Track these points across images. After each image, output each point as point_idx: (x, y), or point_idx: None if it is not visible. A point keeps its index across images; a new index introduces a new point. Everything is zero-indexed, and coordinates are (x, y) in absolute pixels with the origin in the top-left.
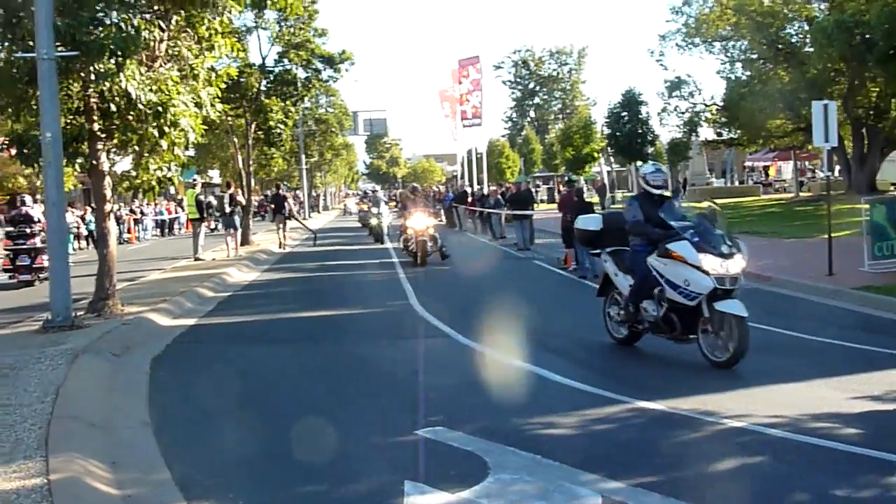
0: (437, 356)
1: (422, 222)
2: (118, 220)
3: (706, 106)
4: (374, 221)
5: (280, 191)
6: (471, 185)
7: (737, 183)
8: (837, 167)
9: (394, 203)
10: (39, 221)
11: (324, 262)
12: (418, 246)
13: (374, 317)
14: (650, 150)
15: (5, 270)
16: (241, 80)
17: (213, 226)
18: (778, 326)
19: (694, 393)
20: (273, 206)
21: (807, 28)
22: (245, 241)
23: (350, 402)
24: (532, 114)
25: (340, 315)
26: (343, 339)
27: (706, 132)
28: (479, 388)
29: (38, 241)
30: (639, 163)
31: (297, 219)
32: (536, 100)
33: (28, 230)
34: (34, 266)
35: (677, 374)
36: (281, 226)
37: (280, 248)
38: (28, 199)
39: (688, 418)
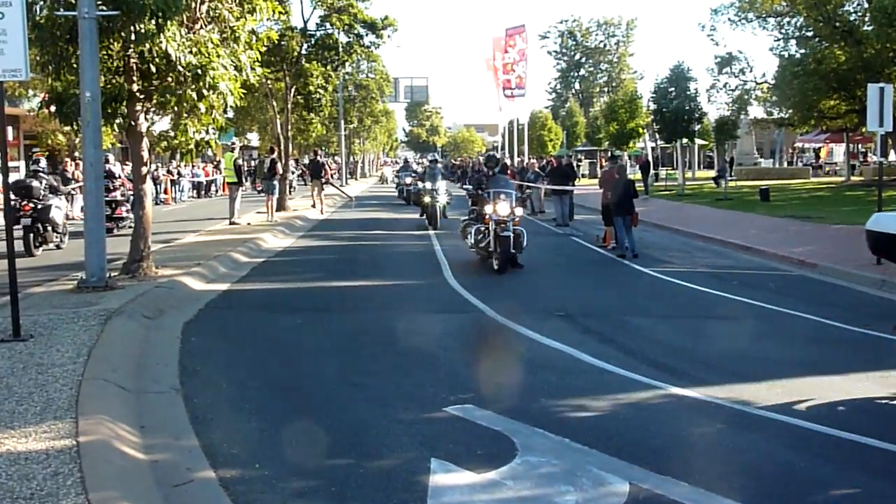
0: (469, 332)
1: (506, 208)
2: (155, 180)
3: (757, 84)
4: (427, 199)
5: (318, 157)
6: (511, 157)
7: (786, 164)
8: (893, 152)
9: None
10: (120, 177)
11: (360, 231)
12: (500, 244)
13: (407, 289)
14: (697, 127)
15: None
16: (282, 43)
17: (257, 188)
18: (820, 316)
19: (731, 381)
20: (311, 171)
21: (866, 6)
22: (281, 206)
23: (380, 375)
24: (577, 86)
25: (374, 286)
26: (375, 311)
27: (756, 111)
28: (511, 366)
29: (118, 195)
30: (685, 140)
31: (333, 184)
32: (582, 72)
33: (110, 185)
34: (114, 216)
35: (715, 360)
36: (318, 190)
37: (319, 213)
38: (111, 156)
39: (722, 407)
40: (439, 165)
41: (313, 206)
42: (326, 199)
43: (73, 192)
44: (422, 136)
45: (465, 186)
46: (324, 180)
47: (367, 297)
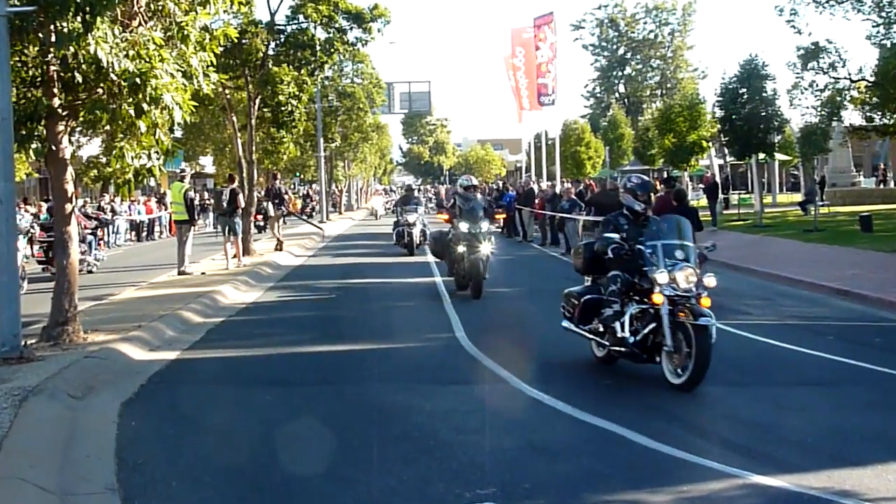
0: (490, 408)
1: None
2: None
3: (852, 82)
4: (461, 250)
5: (277, 182)
6: (538, 181)
7: (893, 184)
8: None
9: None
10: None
11: (345, 280)
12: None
13: (409, 353)
14: (777, 139)
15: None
16: (244, 42)
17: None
18: None
19: (828, 466)
20: (269, 200)
21: None
22: (245, 250)
23: (379, 468)
24: (621, 88)
25: (366, 350)
26: (369, 383)
27: (852, 116)
28: (544, 451)
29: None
30: (762, 154)
31: (297, 215)
32: (627, 70)
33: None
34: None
35: (807, 439)
36: (277, 226)
37: (277, 248)
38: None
39: (819, 501)
40: (479, 196)
41: (278, 247)
42: (302, 240)
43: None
44: (423, 156)
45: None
46: (283, 212)
47: (355, 365)
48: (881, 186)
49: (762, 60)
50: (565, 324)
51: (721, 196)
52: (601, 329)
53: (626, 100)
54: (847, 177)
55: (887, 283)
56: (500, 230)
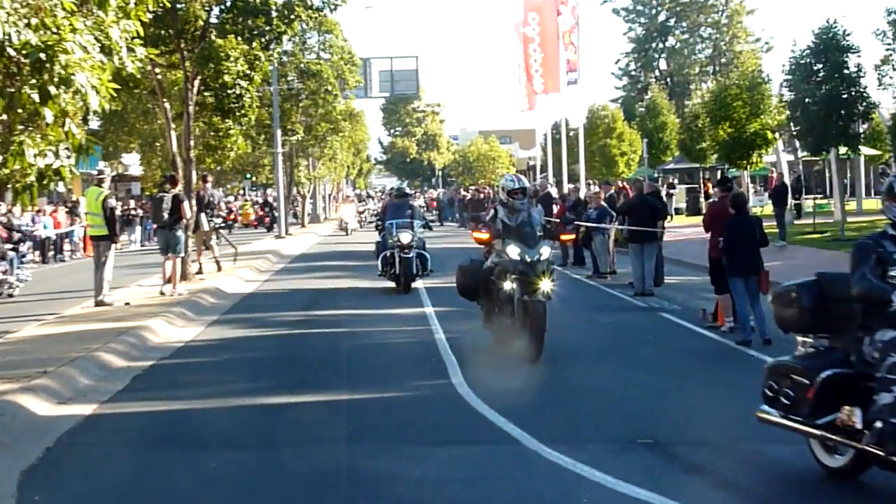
0: (498, 477)
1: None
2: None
3: None
4: (508, 288)
5: (208, 185)
6: (557, 184)
7: None
8: None
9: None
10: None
11: (310, 312)
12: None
13: (392, 405)
14: (863, 128)
15: None
16: (179, 6)
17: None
18: None
19: None
20: (199, 209)
21: None
22: (183, 273)
23: None
24: (662, 65)
25: (337, 401)
26: (340, 444)
27: None
28: None
29: None
30: (843, 148)
31: (217, 230)
32: (671, 42)
33: None
34: None
35: None
36: (207, 241)
37: (218, 268)
38: None
39: None
40: (531, 205)
41: (201, 268)
42: (254, 261)
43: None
44: (410, 152)
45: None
46: (215, 224)
47: (322, 420)
48: None
49: (843, 28)
50: (767, 412)
51: (791, 202)
52: (854, 424)
53: (668, 79)
54: None
55: None
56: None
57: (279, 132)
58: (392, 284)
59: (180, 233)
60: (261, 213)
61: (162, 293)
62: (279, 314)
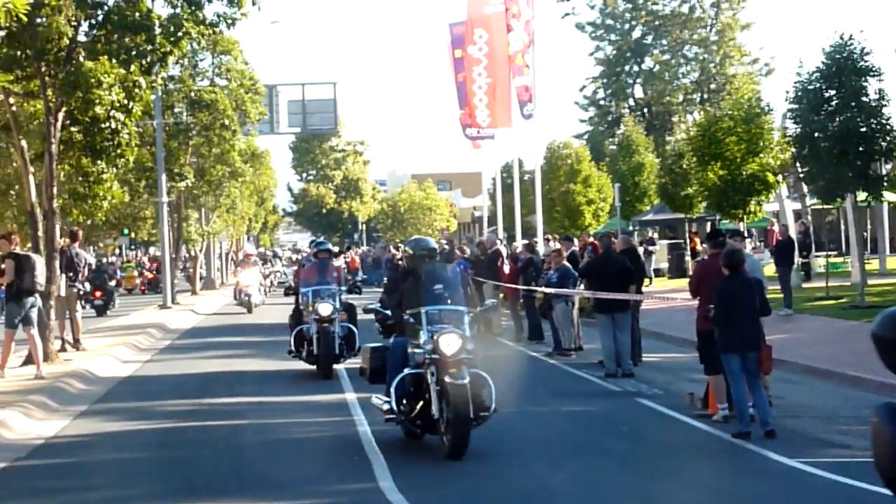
0: None
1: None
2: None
3: None
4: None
5: (76, 244)
6: (509, 239)
7: None
8: None
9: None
10: None
11: (203, 400)
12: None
13: None
14: (887, 167)
15: None
16: (39, 21)
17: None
18: None
19: None
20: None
21: None
22: (44, 351)
23: None
24: (638, 92)
25: None
26: None
27: None
28: None
29: None
30: (862, 194)
31: (82, 297)
32: (648, 63)
33: None
34: None
35: None
36: (70, 309)
37: (74, 347)
38: None
39: None
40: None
41: (65, 345)
42: (133, 336)
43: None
44: (327, 201)
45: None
46: (79, 290)
47: None
48: None
49: (860, 46)
50: None
51: (799, 260)
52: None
53: (645, 110)
54: None
55: None
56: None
57: (164, 176)
58: (308, 367)
59: (28, 302)
60: (150, 276)
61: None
62: (163, 403)
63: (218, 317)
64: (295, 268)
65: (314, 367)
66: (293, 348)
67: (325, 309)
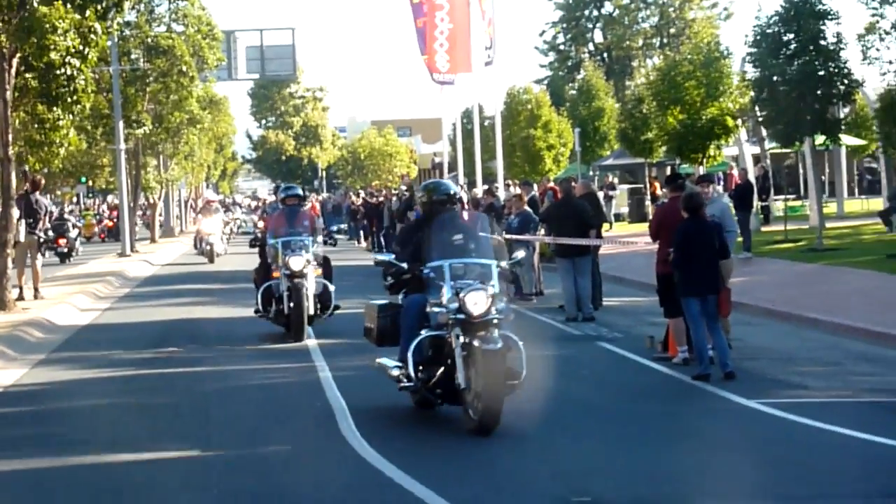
0: None
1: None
2: None
3: None
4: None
5: (37, 190)
6: (469, 185)
7: None
8: None
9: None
10: None
11: (163, 349)
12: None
13: (269, 465)
14: (844, 111)
15: None
16: None
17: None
18: None
19: None
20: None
21: None
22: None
23: None
24: (598, 37)
25: (197, 460)
26: None
27: None
28: None
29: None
30: (820, 138)
31: (42, 245)
32: (608, 8)
33: None
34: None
35: None
36: (31, 255)
37: (35, 297)
38: None
39: None
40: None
41: (22, 293)
42: (91, 284)
43: None
44: (286, 148)
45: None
46: (38, 237)
47: (182, 483)
48: None
49: None
50: None
51: (758, 204)
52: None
53: (605, 55)
54: None
55: None
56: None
57: (121, 124)
58: (283, 329)
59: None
60: (111, 224)
61: None
62: (124, 351)
63: (178, 265)
64: (255, 215)
65: (287, 329)
66: (260, 307)
67: (296, 263)
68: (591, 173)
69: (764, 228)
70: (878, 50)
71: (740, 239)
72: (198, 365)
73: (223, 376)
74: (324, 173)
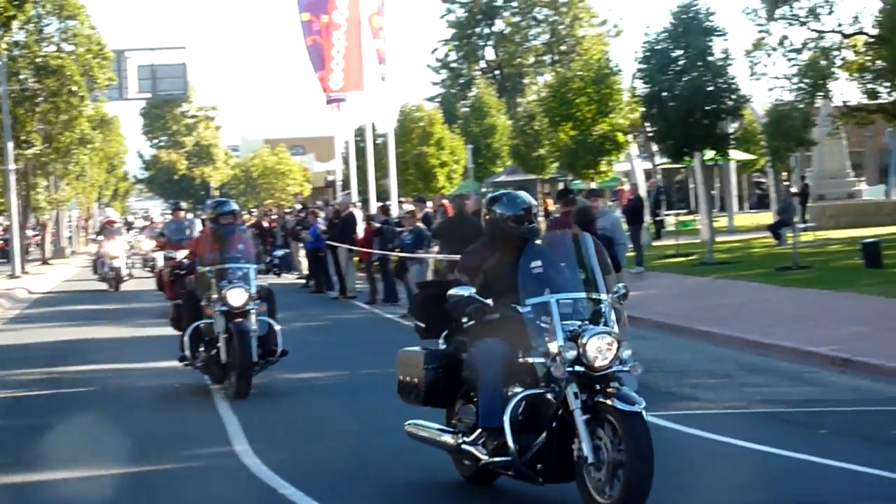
0: None
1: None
2: None
3: (845, 37)
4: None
5: None
6: (363, 202)
7: None
8: None
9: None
10: None
11: (53, 368)
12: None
13: (160, 481)
14: (733, 126)
15: None
16: None
17: None
18: None
19: None
20: None
21: None
22: None
23: None
24: (489, 54)
25: (88, 478)
26: None
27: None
28: None
29: None
30: (709, 153)
31: None
32: (499, 25)
33: None
34: None
35: None
36: None
37: None
38: None
39: None
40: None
41: None
42: None
43: None
44: (178, 167)
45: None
46: None
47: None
48: (894, 198)
49: (705, 7)
50: None
51: (649, 219)
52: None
53: (497, 72)
54: (841, 184)
55: None
56: (302, 282)
57: (10, 144)
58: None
59: None
60: (1, 244)
61: None
62: (12, 372)
63: (72, 286)
64: (141, 235)
65: (217, 380)
66: (188, 354)
67: (236, 297)
68: (483, 190)
69: (655, 243)
70: (765, 66)
71: (633, 253)
72: (88, 385)
73: (115, 396)
74: (217, 192)
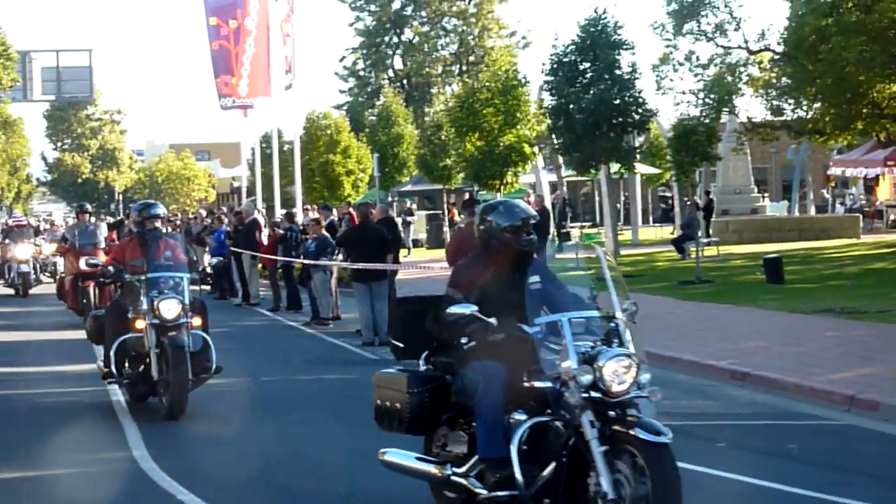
0: None
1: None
2: None
3: (751, 53)
4: None
5: None
6: (268, 209)
7: (812, 210)
8: None
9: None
10: None
11: None
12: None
13: (54, 485)
14: (639, 140)
15: None
16: None
17: None
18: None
19: None
20: None
21: None
22: None
23: None
24: (398, 63)
25: None
26: None
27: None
28: None
29: None
30: (615, 166)
31: None
32: (407, 35)
33: None
34: None
35: None
36: None
37: None
38: None
39: None
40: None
41: None
42: None
43: None
44: (82, 171)
45: None
46: None
47: None
48: (796, 214)
49: (613, 20)
50: None
51: (554, 231)
52: None
53: (405, 81)
54: (745, 199)
55: (806, 359)
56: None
57: None
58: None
59: None
60: None
61: None
62: None
63: None
64: (44, 240)
65: (145, 399)
66: (113, 370)
67: (170, 309)
68: (389, 199)
69: (559, 255)
70: (671, 80)
71: None
72: None
73: (10, 399)
74: (120, 197)
